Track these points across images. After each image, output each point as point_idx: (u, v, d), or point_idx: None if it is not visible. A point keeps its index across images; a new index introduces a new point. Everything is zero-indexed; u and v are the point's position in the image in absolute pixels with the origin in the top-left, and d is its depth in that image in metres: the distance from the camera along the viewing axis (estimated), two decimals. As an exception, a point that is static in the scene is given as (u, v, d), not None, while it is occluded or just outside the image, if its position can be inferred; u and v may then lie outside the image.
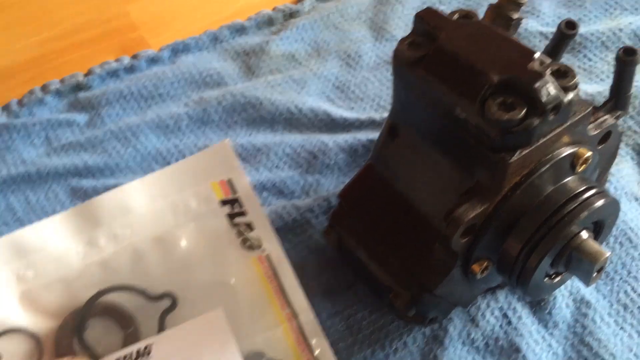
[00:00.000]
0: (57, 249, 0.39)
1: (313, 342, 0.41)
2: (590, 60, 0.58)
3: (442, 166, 0.36)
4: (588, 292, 0.43)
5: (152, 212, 0.40)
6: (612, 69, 0.57)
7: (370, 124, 0.54)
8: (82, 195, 0.52)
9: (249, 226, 0.42)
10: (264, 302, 0.40)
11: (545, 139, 0.33)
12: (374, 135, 0.53)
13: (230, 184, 0.43)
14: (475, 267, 0.36)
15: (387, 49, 0.62)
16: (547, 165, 0.34)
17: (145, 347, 0.36)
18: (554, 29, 0.60)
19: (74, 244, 0.39)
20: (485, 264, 0.36)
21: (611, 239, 0.45)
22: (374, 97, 0.58)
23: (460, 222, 0.33)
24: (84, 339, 0.38)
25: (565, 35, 0.42)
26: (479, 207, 0.33)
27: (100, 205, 0.41)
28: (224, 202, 0.42)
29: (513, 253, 0.35)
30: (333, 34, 0.64)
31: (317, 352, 0.40)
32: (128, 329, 0.38)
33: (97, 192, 0.52)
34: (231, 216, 0.42)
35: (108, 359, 0.37)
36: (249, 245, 0.41)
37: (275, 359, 0.40)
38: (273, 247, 0.41)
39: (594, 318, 0.41)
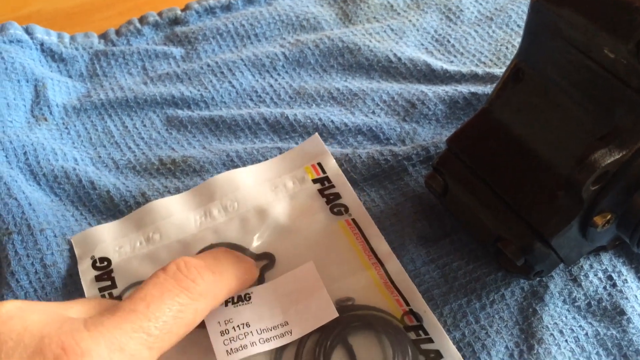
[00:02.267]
0: (179, 218, 0.45)
1: (400, 286, 0.41)
2: None
3: (574, 111, 0.34)
4: (701, 262, 0.41)
5: (255, 190, 0.46)
6: None
7: (472, 77, 0.53)
8: (177, 125, 0.53)
9: (337, 196, 0.46)
10: (352, 255, 0.43)
11: (695, 87, 0.31)
12: (477, 88, 0.52)
13: (320, 166, 0.48)
14: (598, 219, 0.35)
15: (490, 5, 0.60)
16: (691, 117, 0.32)
17: (246, 295, 0.40)
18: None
19: (192, 215, 0.45)
20: (608, 216, 0.35)
21: None
22: (474, 52, 0.56)
23: (595, 167, 0.32)
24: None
25: None
26: (616, 152, 0.32)
27: (214, 184, 0.46)
28: (315, 181, 0.47)
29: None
30: (433, -13, 0.62)
31: (406, 295, 0.40)
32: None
33: (192, 122, 0.52)
34: (321, 190, 0.46)
35: None
36: (337, 211, 0.45)
37: (364, 303, 0.40)
38: (359, 211, 0.45)
39: None
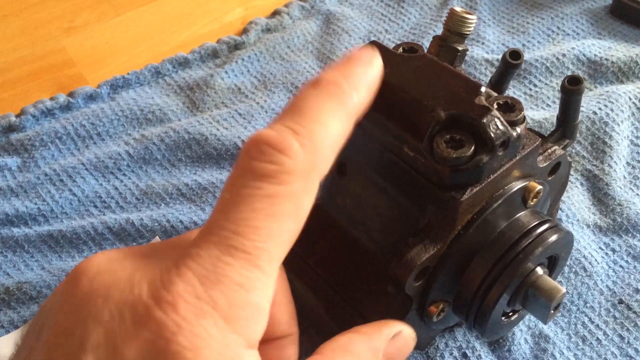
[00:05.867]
0: None
1: None
2: (535, 86, 0.58)
3: (392, 206, 0.34)
4: (546, 325, 0.42)
5: None
6: (557, 94, 0.58)
7: (319, 158, 0.53)
8: (12, 245, 0.49)
9: None
10: None
11: (495, 175, 0.32)
12: (324, 169, 0.52)
13: None
14: (432, 309, 0.35)
15: (335, 80, 0.61)
16: (499, 202, 0.33)
17: None
18: (499, 56, 0.61)
19: None
20: (441, 305, 0.35)
21: (565, 269, 0.44)
22: (323, 129, 0.56)
23: (413, 266, 0.32)
24: None
25: (510, 64, 0.41)
26: (431, 248, 0.32)
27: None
28: None
29: (469, 293, 0.34)
30: (280, 65, 0.62)
31: None
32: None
33: (29, 240, 0.48)
34: None
35: None
36: None
37: None
38: None
39: (553, 353, 0.40)
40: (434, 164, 0.30)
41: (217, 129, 0.56)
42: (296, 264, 0.39)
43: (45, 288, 0.45)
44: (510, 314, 0.36)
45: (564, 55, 0.59)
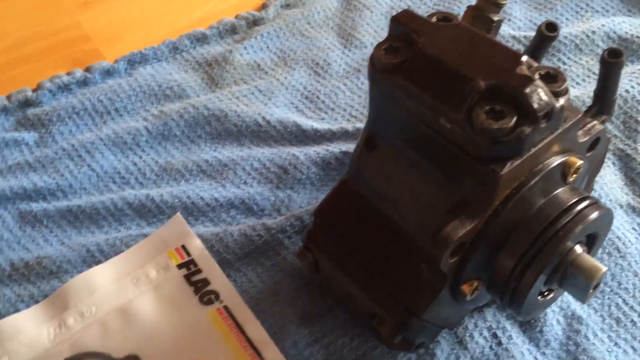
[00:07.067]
0: (30, 336, 0.40)
1: None
2: (564, 63, 0.57)
3: (425, 181, 0.33)
4: (579, 306, 0.41)
5: (115, 287, 0.43)
6: (587, 72, 0.56)
7: (342, 135, 0.52)
8: (31, 220, 0.48)
9: (205, 282, 0.43)
10: (226, 349, 0.40)
11: (536, 149, 0.31)
12: (348, 146, 0.50)
13: (184, 249, 0.45)
14: (465, 288, 0.33)
15: (357, 57, 0.59)
16: (538, 177, 0.32)
17: None
18: (526, 33, 0.59)
19: (45, 328, 0.41)
20: (475, 284, 0.33)
21: (599, 250, 0.43)
22: (345, 106, 0.55)
23: (449, 241, 0.30)
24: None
25: (546, 37, 0.40)
26: (468, 223, 0.31)
27: (67, 291, 0.42)
28: (180, 266, 0.44)
29: (505, 271, 0.33)
30: (300, 42, 0.61)
31: None
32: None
33: (48, 215, 0.48)
34: (188, 276, 0.43)
35: None
36: (207, 299, 0.42)
37: None
38: (230, 296, 0.42)
39: (586, 334, 0.39)
40: (473, 136, 0.29)
41: (237, 105, 0.54)
42: (324, 242, 0.38)
43: (65, 263, 0.44)
44: (546, 293, 0.35)
45: (593, 32, 0.58)
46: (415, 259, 0.33)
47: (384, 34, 0.60)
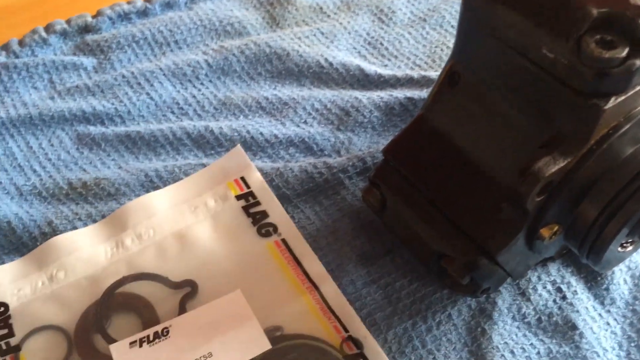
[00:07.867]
0: (87, 252, 0.40)
1: (338, 311, 0.37)
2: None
3: (513, 116, 0.32)
4: (648, 268, 0.39)
5: (173, 213, 0.42)
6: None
7: (407, 81, 0.50)
8: (89, 143, 0.47)
9: (264, 214, 0.42)
10: (283, 280, 0.39)
11: (639, 88, 0.29)
12: (412, 93, 0.49)
13: (243, 180, 0.44)
14: (545, 232, 0.32)
15: (422, 6, 0.57)
16: (634, 121, 0.30)
17: (164, 329, 0.36)
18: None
19: (103, 247, 0.41)
20: (555, 228, 0.32)
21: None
22: (409, 55, 0.54)
23: (539, 177, 0.29)
24: (104, 328, 0.37)
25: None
26: (561, 161, 0.30)
27: (126, 213, 0.42)
28: (239, 197, 0.43)
29: (588, 219, 0.32)
30: (364, -12, 0.59)
31: (344, 320, 0.37)
32: (149, 317, 0.37)
33: (106, 139, 0.47)
34: (246, 208, 0.42)
35: (122, 343, 0.36)
36: (265, 231, 0.41)
37: (298, 331, 0.37)
38: (289, 230, 0.41)
39: (656, 296, 0.38)
40: (580, 66, 0.28)
41: (299, 46, 0.53)
42: (393, 179, 0.37)
43: (123, 186, 0.44)
44: (625, 245, 0.34)
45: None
46: (495, 197, 0.32)
47: (452, -15, 0.58)
